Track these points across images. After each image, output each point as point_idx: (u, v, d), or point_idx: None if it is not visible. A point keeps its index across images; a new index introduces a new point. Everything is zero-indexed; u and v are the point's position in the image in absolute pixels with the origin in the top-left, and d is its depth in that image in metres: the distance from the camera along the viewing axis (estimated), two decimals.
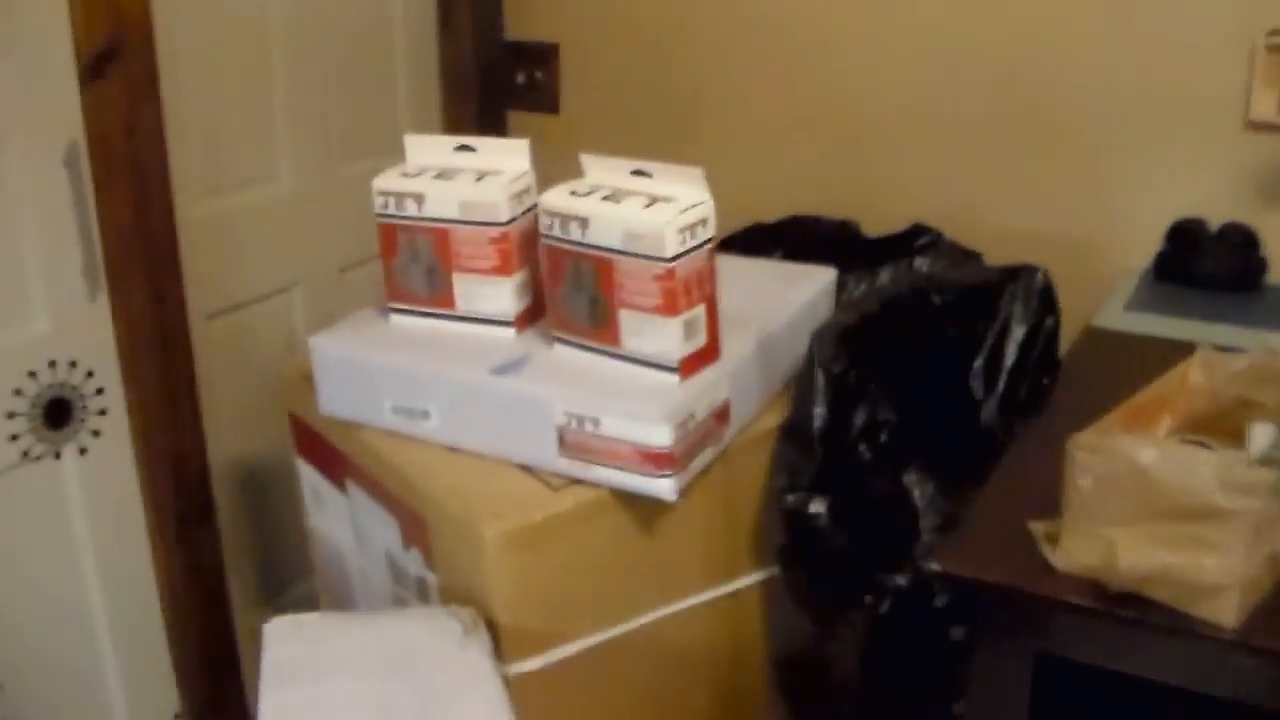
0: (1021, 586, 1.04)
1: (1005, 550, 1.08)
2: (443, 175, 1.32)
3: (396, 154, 1.38)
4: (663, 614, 1.31)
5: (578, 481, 1.23)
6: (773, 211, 1.82)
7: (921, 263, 1.61)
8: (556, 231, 1.22)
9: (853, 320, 1.32)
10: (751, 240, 1.76)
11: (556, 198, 1.23)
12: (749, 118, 2.01)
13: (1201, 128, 1.66)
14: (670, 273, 1.15)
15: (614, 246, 1.18)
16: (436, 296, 1.34)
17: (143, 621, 1.68)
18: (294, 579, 1.97)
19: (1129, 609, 0.99)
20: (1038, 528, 1.08)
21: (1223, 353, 1.16)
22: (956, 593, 1.24)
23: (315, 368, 1.37)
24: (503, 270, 1.30)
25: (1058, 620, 1.06)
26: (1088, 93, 1.73)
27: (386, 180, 1.33)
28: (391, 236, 1.34)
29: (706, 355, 1.22)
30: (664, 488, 1.19)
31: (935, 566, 1.07)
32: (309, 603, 1.76)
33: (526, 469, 1.26)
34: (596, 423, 1.19)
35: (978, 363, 1.45)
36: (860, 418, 1.29)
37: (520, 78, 2.18)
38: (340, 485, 1.46)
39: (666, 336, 1.18)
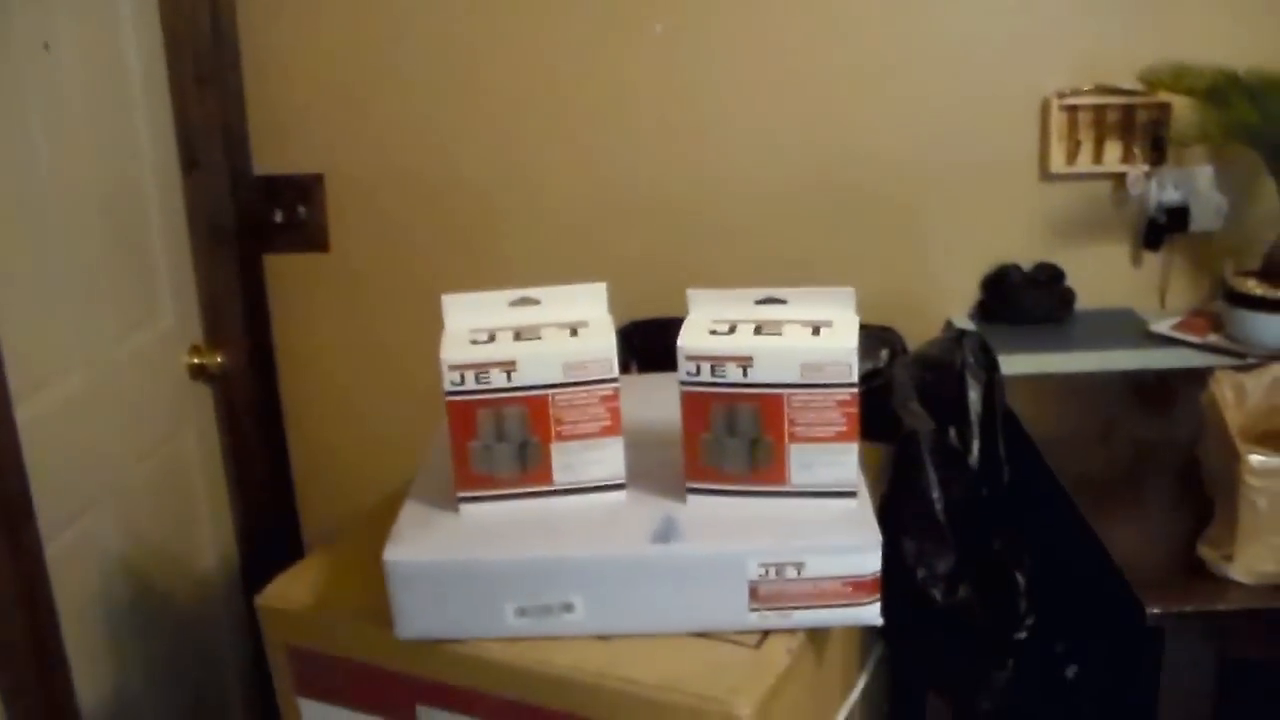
0: (1220, 607, 1.17)
1: (1180, 578, 1.20)
2: (524, 335, 1.17)
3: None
4: None
5: (767, 633, 1.15)
6: None
7: None
8: (705, 376, 1.14)
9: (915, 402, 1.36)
10: None
11: (699, 340, 1.14)
12: (556, 223, 1.96)
13: (1004, 184, 1.89)
14: (854, 398, 1.12)
15: (787, 381, 1.12)
16: (529, 474, 1.18)
17: None
18: None
19: None
20: (1208, 552, 1.20)
21: (1238, 372, 1.36)
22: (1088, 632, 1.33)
23: (394, 588, 1.14)
24: (613, 430, 1.18)
25: (1243, 626, 1.18)
26: (900, 164, 1.90)
27: (457, 352, 1.15)
28: (468, 416, 1.16)
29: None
30: (872, 614, 1.15)
31: (1155, 610, 1.16)
32: None
33: (703, 635, 1.15)
34: (800, 567, 1.12)
35: (950, 431, 1.54)
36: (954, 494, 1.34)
37: (278, 216, 1.94)
38: (403, 715, 1.23)
39: (846, 463, 1.15)
